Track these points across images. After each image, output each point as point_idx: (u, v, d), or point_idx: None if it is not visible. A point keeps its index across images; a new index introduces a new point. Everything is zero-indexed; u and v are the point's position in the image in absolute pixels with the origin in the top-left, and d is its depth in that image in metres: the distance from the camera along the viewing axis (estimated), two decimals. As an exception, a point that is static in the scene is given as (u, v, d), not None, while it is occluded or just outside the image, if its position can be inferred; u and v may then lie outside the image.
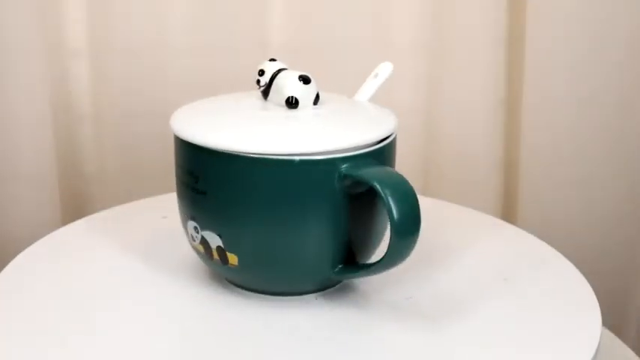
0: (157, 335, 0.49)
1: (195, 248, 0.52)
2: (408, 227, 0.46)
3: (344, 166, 0.47)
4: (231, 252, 0.49)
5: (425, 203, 0.69)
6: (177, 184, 0.52)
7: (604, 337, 0.52)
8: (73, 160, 0.85)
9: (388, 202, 0.45)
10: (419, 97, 0.85)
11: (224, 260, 0.50)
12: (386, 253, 0.47)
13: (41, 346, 0.47)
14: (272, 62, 0.53)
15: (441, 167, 0.87)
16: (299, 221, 0.48)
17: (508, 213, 0.89)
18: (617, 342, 0.65)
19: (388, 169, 0.48)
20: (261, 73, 0.52)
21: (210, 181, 0.48)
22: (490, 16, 0.82)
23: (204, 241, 0.50)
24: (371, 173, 0.46)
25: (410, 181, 0.47)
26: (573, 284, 0.55)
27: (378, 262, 0.48)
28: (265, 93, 0.53)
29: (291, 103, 0.51)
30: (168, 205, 0.57)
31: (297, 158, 0.47)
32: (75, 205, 0.86)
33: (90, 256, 0.58)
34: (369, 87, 0.55)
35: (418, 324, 0.51)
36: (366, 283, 0.54)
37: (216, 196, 0.48)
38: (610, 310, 0.71)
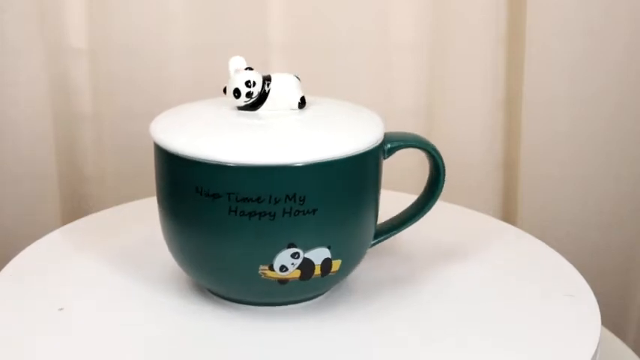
0: (146, 344, 0.50)
1: (276, 280, 0.49)
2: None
3: (390, 141, 0.52)
4: (336, 258, 0.49)
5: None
6: (241, 225, 0.47)
7: (604, 337, 0.52)
8: (72, 159, 0.85)
9: (437, 157, 0.53)
10: (419, 96, 0.85)
11: (326, 271, 0.49)
12: (428, 202, 0.54)
13: (40, 346, 0.48)
14: (251, 71, 0.51)
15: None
16: (374, 201, 0.52)
17: (508, 213, 0.89)
18: (617, 342, 0.65)
19: (404, 132, 0.54)
20: (253, 83, 0.50)
21: (321, 196, 0.47)
22: (490, 16, 0.82)
23: (306, 264, 0.48)
24: (410, 139, 0.53)
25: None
26: (573, 284, 0.55)
27: (416, 213, 0.54)
28: (256, 103, 0.51)
29: (304, 102, 0.51)
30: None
31: (376, 144, 0.50)
32: (75, 205, 0.86)
33: (88, 258, 0.58)
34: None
35: (418, 324, 0.51)
36: (363, 283, 0.55)
37: (329, 207, 0.48)
38: (610, 310, 0.71)
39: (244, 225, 0.47)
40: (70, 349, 0.47)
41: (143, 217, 0.63)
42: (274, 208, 0.47)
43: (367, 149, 0.49)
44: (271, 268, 0.48)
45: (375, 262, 0.56)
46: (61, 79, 0.82)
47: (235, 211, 0.47)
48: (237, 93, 0.50)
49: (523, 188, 0.86)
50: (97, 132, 0.84)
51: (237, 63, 0.52)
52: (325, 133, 0.49)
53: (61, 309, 0.48)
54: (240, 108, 0.51)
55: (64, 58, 0.82)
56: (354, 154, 0.48)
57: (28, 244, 0.59)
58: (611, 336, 0.65)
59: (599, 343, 0.48)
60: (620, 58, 0.82)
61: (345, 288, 0.54)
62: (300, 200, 0.47)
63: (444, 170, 0.54)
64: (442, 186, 0.54)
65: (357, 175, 0.49)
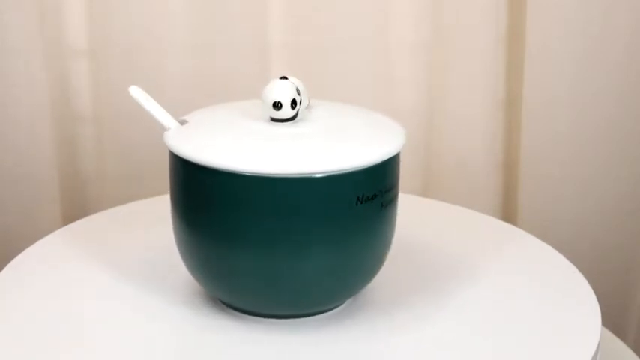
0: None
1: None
2: None
3: None
4: None
5: (425, 204, 0.69)
6: (387, 216, 0.49)
7: (604, 337, 0.52)
8: (73, 160, 0.85)
9: None
10: (419, 97, 0.85)
11: None
12: None
13: (39, 346, 0.48)
14: (287, 80, 0.49)
15: (441, 167, 0.87)
16: None
17: (508, 213, 0.89)
18: (617, 342, 0.65)
19: None
20: (298, 92, 0.49)
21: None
22: (490, 16, 0.82)
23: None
24: None
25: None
26: (573, 284, 0.55)
27: None
28: (296, 115, 0.49)
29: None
30: (168, 207, 0.56)
31: None
32: (75, 206, 0.86)
33: (88, 259, 0.58)
34: (159, 110, 0.54)
35: (419, 324, 0.51)
36: (371, 289, 0.55)
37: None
38: (610, 310, 0.71)
39: (389, 214, 0.50)
40: (70, 352, 0.47)
41: (143, 219, 0.63)
42: (396, 191, 0.50)
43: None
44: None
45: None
46: (61, 79, 0.82)
47: (384, 205, 0.49)
48: (294, 104, 0.48)
49: (523, 188, 0.86)
50: (97, 133, 0.84)
51: (140, 92, 0.52)
52: (389, 128, 0.52)
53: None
54: (284, 119, 0.48)
55: (64, 59, 0.82)
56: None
57: (28, 245, 0.59)
58: (611, 336, 0.65)
59: (599, 343, 0.49)
60: (620, 58, 0.82)
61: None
62: (398, 180, 0.50)
63: None
64: None
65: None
